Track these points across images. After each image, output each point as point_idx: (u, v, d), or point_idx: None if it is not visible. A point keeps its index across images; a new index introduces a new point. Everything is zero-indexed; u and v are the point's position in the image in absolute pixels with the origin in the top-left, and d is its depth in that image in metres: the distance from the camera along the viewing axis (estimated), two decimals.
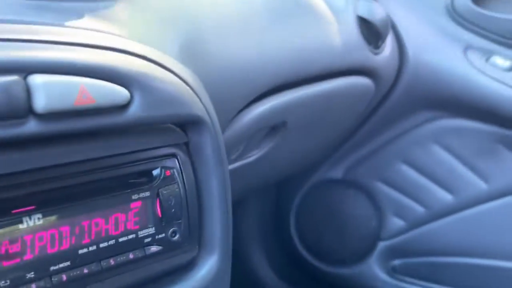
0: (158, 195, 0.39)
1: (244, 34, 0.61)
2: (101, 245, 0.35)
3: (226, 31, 0.59)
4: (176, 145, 0.40)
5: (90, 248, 0.35)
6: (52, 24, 0.36)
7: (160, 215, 0.39)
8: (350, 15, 0.84)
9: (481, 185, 1.03)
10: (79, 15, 0.40)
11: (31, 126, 0.31)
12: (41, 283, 0.32)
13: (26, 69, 0.31)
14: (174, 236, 0.40)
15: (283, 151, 0.80)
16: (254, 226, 1.18)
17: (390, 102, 1.01)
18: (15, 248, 0.31)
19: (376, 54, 0.88)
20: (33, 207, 0.32)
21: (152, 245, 0.38)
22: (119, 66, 0.35)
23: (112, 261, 0.36)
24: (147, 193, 0.38)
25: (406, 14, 0.97)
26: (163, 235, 0.39)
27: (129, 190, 0.37)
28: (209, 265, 0.42)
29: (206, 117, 0.41)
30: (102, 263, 0.35)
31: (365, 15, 0.86)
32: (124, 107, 0.35)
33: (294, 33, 0.71)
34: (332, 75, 0.79)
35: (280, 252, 1.22)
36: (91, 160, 0.35)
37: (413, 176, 1.08)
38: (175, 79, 0.40)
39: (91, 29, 0.38)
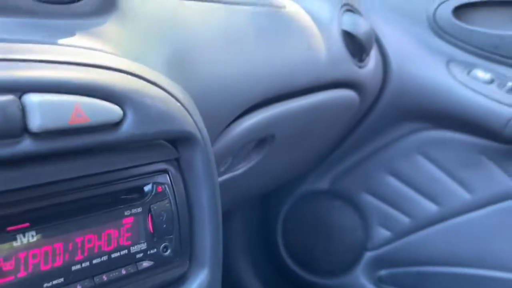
0: (149, 210, 0.39)
1: (231, 49, 0.62)
2: (94, 261, 0.36)
3: (213, 47, 0.59)
4: (167, 161, 0.41)
5: (83, 265, 0.35)
6: (46, 43, 0.37)
7: (151, 231, 0.39)
8: (335, 29, 0.85)
9: (465, 195, 1.05)
10: (71, 32, 0.40)
11: (26, 145, 0.31)
12: None
13: (21, 88, 0.32)
14: (165, 251, 0.40)
15: (271, 163, 0.81)
16: (241, 237, 1.18)
17: (375, 114, 1.03)
18: (8, 266, 0.32)
19: (360, 67, 0.89)
20: (27, 224, 0.33)
21: (144, 260, 0.39)
22: (112, 85, 0.36)
23: (104, 277, 0.36)
24: (139, 209, 0.38)
25: (389, 28, 0.99)
26: (155, 250, 0.39)
27: (121, 206, 0.38)
28: (200, 279, 0.43)
29: (196, 133, 0.42)
30: (95, 279, 0.35)
31: (349, 29, 0.87)
32: (117, 124, 0.36)
33: (280, 47, 0.72)
34: (318, 88, 0.80)
35: (267, 263, 1.22)
36: (84, 177, 0.35)
37: (398, 186, 1.10)
38: (166, 96, 0.40)
39: (84, 47, 0.39)
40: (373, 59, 0.94)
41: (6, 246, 0.32)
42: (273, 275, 1.21)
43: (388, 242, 1.13)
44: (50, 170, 0.33)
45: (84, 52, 0.38)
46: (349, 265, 1.15)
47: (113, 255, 0.37)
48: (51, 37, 0.38)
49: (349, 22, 0.88)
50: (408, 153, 1.07)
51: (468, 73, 0.97)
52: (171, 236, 0.40)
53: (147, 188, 0.39)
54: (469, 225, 1.06)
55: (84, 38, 0.40)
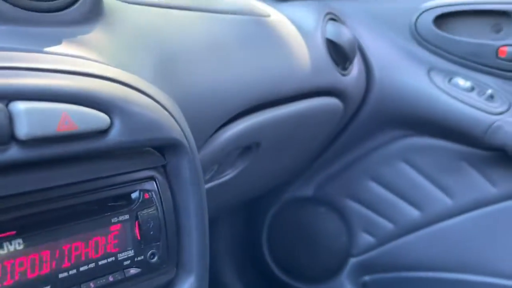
0: (137, 217, 0.39)
1: (217, 58, 0.63)
2: (81, 269, 0.36)
3: (199, 55, 0.60)
4: (154, 168, 0.41)
5: (70, 272, 0.35)
6: (32, 51, 0.37)
7: (139, 238, 0.39)
8: (319, 38, 0.86)
9: (447, 201, 1.06)
10: (58, 40, 0.41)
11: (14, 153, 0.31)
12: None
13: (8, 96, 0.32)
14: (152, 258, 0.40)
15: (256, 170, 0.81)
16: (226, 244, 1.18)
17: (358, 121, 1.04)
18: None
19: (344, 75, 0.90)
20: (13, 232, 0.32)
21: (132, 267, 0.39)
22: (99, 92, 0.36)
23: (92, 285, 0.36)
24: (126, 216, 0.39)
25: (372, 37, 1.01)
26: (142, 257, 0.39)
27: (108, 214, 0.38)
28: (187, 286, 0.43)
29: (183, 140, 0.42)
30: (82, 286, 0.35)
31: (333, 37, 0.88)
32: (104, 132, 0.36)
33: (265, 56, 0.73)
34: (303, 96, 0.81)
35: (252, 270, 1.22)
36: (72, 184, 0.36)
37: (381, 193, 1.11)
38: (153, 103, 0.41)
39: (71, 55, 0.39)
40: (356, 67, 0.95)
41: None
42: (258, 282, 1.22)
43: (372, 248, 1.14)
44: (37, 178, 0.33)
45: (71, 60, 0.38)
46: (334, 271, 1.16)
47: (100, 262, 0.37)
48: (38, 45, 0.38)
49: (332, 31, 0.89)
50: (391, 159, 1.08)
51: (449, 81, 0.99)
52: (158, 243, 0.40)
53: (134, 195, 0.39)
54: (451, 230, 1.07)
55: (70, 46, 0.41)
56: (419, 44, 1.00)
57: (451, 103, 0.97)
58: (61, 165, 0.35)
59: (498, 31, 0.97)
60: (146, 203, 0.40)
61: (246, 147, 0.73)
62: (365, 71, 0.99)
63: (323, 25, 0.88)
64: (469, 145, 1.01)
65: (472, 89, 0.97)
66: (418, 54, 1.01)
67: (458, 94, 0.97)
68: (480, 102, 0.96)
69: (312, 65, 0.81)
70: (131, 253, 0.39)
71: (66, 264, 0.35)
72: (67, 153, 0.34)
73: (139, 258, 0.39)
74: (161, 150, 0.42)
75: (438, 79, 0.99)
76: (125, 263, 0.38)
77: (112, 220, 0.38)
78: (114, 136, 0.36)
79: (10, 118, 0.31)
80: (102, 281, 0.37)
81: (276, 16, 0.82)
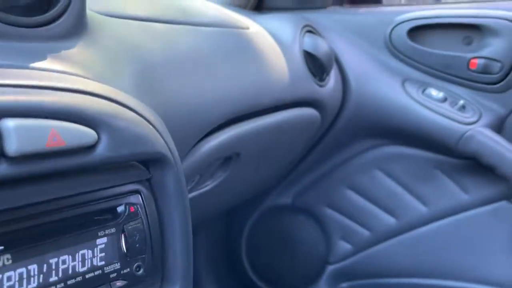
0: (123, 231, 0.40)
1: (197, 70, 0.64)
2: (69, 282, 0.36)
3: (180, 68, 0.61)
4: (139, 182, 0.42)
5: (58, 286, 0.35)
6: (18, 67, 0.37)
7: (125, 251, 0.40)
8: (297, 50, 0.88)
9: (421, 209, 1.09)
10: (43, 56, 0.41)
11: (3, 169, 0.32)
12: None
13: None
14: (138, 271, 0.41)
15: (236, 180, 0.82)
16: (205, 252, 1.18)
17: (335, 131, 1.06)
18: None
19: (321, 86, 0.92)
20: (1, 247, 0.33)
21: (118, 280, 0.39)
22: (87, 108, 0.36)
23: None
24: (113, 230, 0.39)
25: (348, 49, 1.03)
26: (128, 270, 0.40)
27: (95, 227, 0.38)
28: None
29: (168, 154, 0.43)
30: None
31: (310, 49, 0.90)
32: (91, 147, 0.37)
33: (245, 67, 0.74)
34: (282, 107, 0.82)
35: (231, 279, 1.22)
36: (59, 199, 0.36)
37: (358, 200, 1.12)
38: (138, 118, 0.41)
39: (56, 71, 0.40)
40: (333, 79, 0.97)
41: None
42: None
43: (349, 255, 1.15)
44: (25, 193, 0.34)
45: (58, 76, 0.38)
46: (312, 279, 1.17)
47: (87, 276, 0.37)
48: (23, 61, 0.38)
49: (310, 43, 0.91)
50: (367, 168, 1.10)
51: (423, 91, 1.01)
52: (144, 256, 0.41)
53: (120, 208, 0.40)
54: (425, 237, 1.09)
55: (56, 61, 0.41)
56: (394, 55, 1.03)
57: (425, 113, 0.99)
58: (48, 180, 0.35)
59: (469, 43, 1.00)
60: (131, 216, 0.40)
61: (226, 157, 0.74)
62: (341, 82, 1.01)
63: (301, 37, 0.90)
64: (442, 154, 1.03)
65: (444, 99, 1.00)
66: (392, 65, 1.03)
67: (431, 105, 0.99)
68: (453, 112, 0.99)
69: (291, 77, 0.83)
70: (117, 266, 0.39)
71: (53, 278, 0.35)
72: (55, 169, 0.35)
73: (125, 271, 0.40)
74: (145, 164, 0.43)
75: (412, 89, 1.01)
76: (112, 276, 0.39)
77: (99, 234, 0.38)
78: (101, 151, 0.37)
79: (0, 135, 0.32)
80: None
81: (255, 28, 0.84)
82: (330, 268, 1.17)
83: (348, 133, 1.07)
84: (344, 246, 1.15)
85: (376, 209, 1.12)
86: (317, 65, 0.91)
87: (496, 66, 0.97)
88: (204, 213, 0.88)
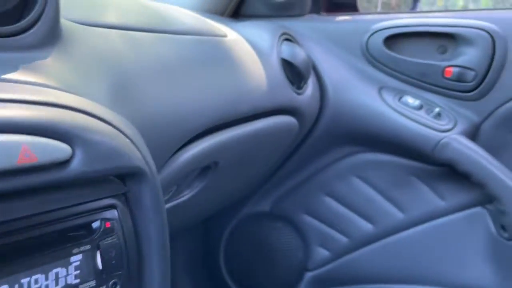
0: (98, 247, 0.39)
1: (175, 79, 0.63)
2: None
3: (157, 77, 0.60)
4: (115, 196, 0.41)
5: None
6: None
7: (100, 267, 0.39)
8: (275, 58, 0.88)
9: (398, 215, 1.10)
10: (14, 67, 0.40)
11: None
12: None
13: None
14: (115, 287, 0.40)
15: (214, 189, 0.82)
16: (183, 260, 1.17)
17: (313, 138, 1.06)
18: None
19: (299, 94, 0.92)
20: None
21: None
22: (60, 122, 0.35)
23: None
24: (88, 246, 0.38)
25: (326, 57, 1.03)
26: (104, 287, 0.39)
27: (69, 244, 0.37)
28: None
29: (145, 167, 0.42)
30: None
31: (288, 57, 0.90)
32: (65, 162, 0.36)
33: (222, 76, 0.73)
34: (260, 115, 0.82)
35: (209, 286, 1.21)
36: (31, 216, 0.35)
37: (336, 207, 1.13)
38: (114, 131, 0.40)
39: (29, 82, 0.38)
40: (310, 86, 0.97)
41: None
42: None
43: (327, 261, 1.16)
44: None
45: (30, 88, 0.37)
46: (291, 286, 1.17)
47: None
48: None
49: (287, 51, 0.91)
50: (344, 175, 1.11)
51: (399, 99, 1.02)
52: (120, 272, 0.40)
53: (95, 224, 0.39)
54: (403, 243, 1.10)
55: (28, 73, 0.40)
56: (370, 63, 1.04)
57: (401, 120, 1.00)
58: (20, 197, 0.34)
59: (443, 52, 1.02)
60: (107, 232, 0.39)
61: (204, 167, 0.73)
62: (319, 89, 1.02)
63: (279, 45, 0.90)
64: (418, 161, 1.04)
65: (420, 107, 1.01)
66: (369, 73, 1.04)
67: (408, 112, 1.00)
68: (428, 120, 1.00)
69: (269, 85, 0.83)
70: (92, 283, 0.38)
71: None
72: (27, 186, 0.33)
73: None
74: (122, 178, 0.42)
75: (389, 97, 1.02)
76: None
77: (73, 251, 0.37)
78: (76, 166, 0.36)
79: None
80: None
81: (233, 36, 0.83)
82: (309, 275, 1.17)
83: (326, 141, 1.07)
84: (322, 252, 1.16)
85: (354, 216, 1.12)
86: (294, 73, 0.91)
87: (470, 74, 0.99)
88: (182, 223, 0.87)
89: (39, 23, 0.43)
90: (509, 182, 0.97)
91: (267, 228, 1.18)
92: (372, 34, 1.02)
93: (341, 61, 1.04)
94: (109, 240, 0.39)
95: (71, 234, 0.38)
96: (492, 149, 1.00)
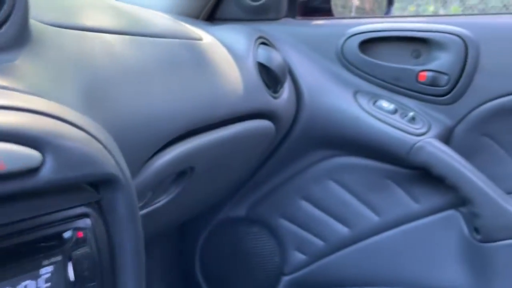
0: (70, 258, 0.37)
1: (150, 83, 0.62)
2: None
3: (132, 81, 0.59)
4: (88, 204, 0.39)
5: None
6: None
7: (72, 279, 0.37)
8: (251, 62, 0.88)
9: (374, 218, 1.10)
10: None
11: None
12: None
13: None
14: None
15: (190, 194, 0.80)
16: (158, 268, 1.15)
17: (289, 142, 1.06)
18: None
19: (275, 98, 0.92)
20: None
21: None
22: (30, 128, 0.34)
23: None
24: (59, 257, 0.36)
25: (301, 61, 1.03)
26: None
27: (39, 256, 0.35)
28: None
29: (118, 174, 0.41)
30: None
31: (264, 61, 0.90)
32: (35, 170, 0.34)
33: (198, 80, 0.73)
34: (236, 120, 0.81)
35: None
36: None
37: (312, 211, 1.13)
38: (87, 137, 0.39)
39: None
40: (286, 90, 0.97)
41: None
42: None
43: (304, 265, 1.16)
44: None
45: None
46: None
47: None
48: None
49: (263, 55, 0.90)
50: (320, 178, 1.11)
51: (374, 103, 1.03)
52: (93, 283, 0.38)
53: (67, 234, 0.37)
54: (378, 246, 1.11)
55: None
56: (346, 68, 1.04)
57: (376, 124, 1.01)
58: None
59: (417, 56, 1.03)
60: (79, 242, 0.38)
61: (180, 172, 0.72)
62: (295, 93, 1.01)
63: (255, 49, 0.90)
64: (393, 164, 1.05)
65: (395, 111, 1.02)
66: (345, 77, 1.04)
67: (383, 116, 1.01)
68: (403, 123, 1.01)
69: (245, 89, 0.82)
70: None
71: None
72: None
73: None
74: (95, 185, 0.41)
75: (364, 101, 1.03)
76: None
77: (43, 263, 0.35)
78: (46, 174, 0.34)
79: None
80: None
81: (208, 39, 0.83)
82: (285, 279, 1.17)
83: (302, 144, 1.07)
84: (298, 256, 1.15)
85: (330, 219, 1.12)
86: (271, 77, 0.91)
87: (444, 78, 1.00)
88: (157, 229, 0.86)
89: (7, 24, 0.41)
90: (482, 185, 0.99)
91: (243, 233, 1.17)
92: (347, 39, 1.03)
93: (317, 65, 1.04)
94: (81, 250, 0.38)
95: (41, 244, 0.36)
96: (465, 152, 1.02)
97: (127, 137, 0.53)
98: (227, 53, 0.83)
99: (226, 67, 0.80)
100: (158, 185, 0.67)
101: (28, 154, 0.33)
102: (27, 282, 0.34)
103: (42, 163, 0.34)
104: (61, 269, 0.37)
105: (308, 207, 1.13)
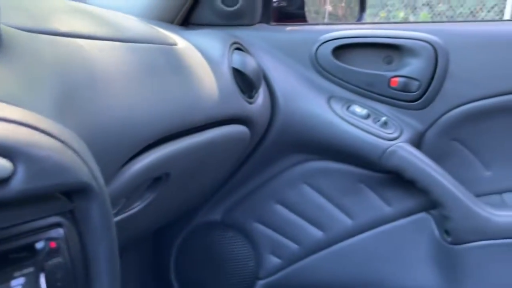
0: (42, 269, 0.36)
1: (125, 89, 0.61)
2: None
3: (106, 86, 0.58)
4: (61, 214, 0.39)
5: None
6: None
7: None
8: (226, 67, 0.88)
9: (347, 221, 1.12)
10: None
11: None
12: None
13: None
14: None
15: (165, 200, 0.80)
16: (133, 274, 1.14)
17: (264, 147, 1.06)
18: None
19: (250, 103, 0.92)
20: None
21: None
22: (1, 138, 0.33)
23: None
24: (31, 269, 0.36)
25: (276, 66, 1.04)
26: None
27: (10, 267, 0.35)
28: None
29: (92, 183, 0.40)
30: None
31: (239, 66, 0.90)
32: (6, 180, 0.33)
33: (174, 85, 0.72)
34: (212, 125, 0.81)
35: None
36: None
37: (286, 215, 1.14)
38: (60, 145, 0.38)
39: None
40: (261, 95, 0.97)
41: None
42: None
43: (279, 269, 1.16)
44: None
45: None
46: None
47: None
48: None
49: (238, 60, 0.90)
50: (295, 183, 1.12)
51: (347, 108, 1.04)
52: None
53: (39, 245, 0.37)
54: (352, 248, 1.12)
55: None
56: (320, 73, 1.05)
57: (349, 129, 1.02)
58: None
59: (389, 62, 1.05)
60: (52, 252, 0.37)
61: (155, 178, 0.72)
62: (270, 99, 1.02)
63: (229, 55, 0.90)
64: (366, 168, 1.07)
65: (368, 116, 1.04)
66: (318, 83, 1.05)
67: (356, 121, 1.03)
68: (375, 128, 1.02)
69: (220, 94, 0.82)
70: None
71: None
72: None
73: None
74: (68, 194, 0.40)
75: (337, 106, 1.04)
76: None
77: (14, 274, 0.35)
78: (18, 184, 0.34)
79: None
80: None
81: (183, 44, 0.82)
82: (260, 283, 1.17)
83: (277, 149, 1.08)
84: (273, 260, 1.16)
85: (305, 223, 1.13)
86: (245, 82, 0.91)
87: (415, 84, 1.02)
88: (132, 235, 0.85)
89: None
90: (452, 188, 1.01)
91: (218, 238, 1.17)
92: (320, 45, 1.04)
93: (291, 71, 1.05)
94: (54, 261, 0.37)
95: (12, 256, 0.35)
96: (436, 156, 1.04)
97: (101, 143, 0.52)
98: (202, 59, 0.83)
99: (201, 72, 0.80)
100: (133, 191, 0.66)
101: None
102: None
103: (13, 173, 0.34)
104: (33, 281, 0.36)
105: (283, 211, 1.13)
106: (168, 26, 0.94)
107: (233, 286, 1.17)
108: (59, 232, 0.38)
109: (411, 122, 1.05)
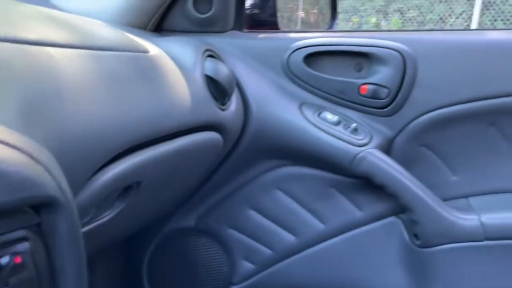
0: (7, 284, 0.36)
1: (94, 97, 0.61)
2: None
3: (75, 95, 0.57)
4: (26, 227, 0.38)
5: None
6: None
7: None
8: (198, 74, 0.88)
9: (319, 226, 1.13)
10: None
11: None
12: None
13: None
14: None
15: (136, 208, 0.79)
16: (105, 281, 1.13)
17: (237, 153, 1.07)
18: None
19: (223, 110, 0.92)
20: None
21: None
22: None
23: None
24: None
25: (248, 73, 1.05)
26: None
27: None
28: None
29: (59, 196, 0.40)
30: None
31: (211, 74, 0.90)
32: None
33: (145, 92, 0.72)
34: (184, 132, 0.81)
35: None
36: None
37: (260, 220, 1.14)
38: (25, 158, 0.38)
39: None
40: (234, 102, 0.98)
41: None
42: None
43: (252, 275, 1.17)
44: None
45: None
46: None
47: None
48: None
49: (211, 67, 0.91)
50: (267, 188, 1.13)
51: (319, 115, 1.06)
52: None
53: (4, 260, 0.36)
54: (324, 253, 1.14)
55: None
56: (291, 80, 1.07)
57: (321, 135, 1.04)
58: None
59: (359, 70, 1.06)
60: (17, 267, 0.37)
61: (126, 186, 0.71)
62: (242, 105, 1.03)
63: (202, 62, 0.90)
64: (337, 174, 1.08)
65: (338, 122, 1.05)
66: (290, 89, 1.06)
67: (327, 127, 1.04)
68: (346, 134, 1.04)
69: (193, 102, 0.82)
70: None
71: None
72: None
73: None
74: (35, 207, 0.40)
75: (309, 113, 1.05)
76: None
77: None
78: None
79: None
80: None
81: (155, 51, 0.82)
82: None
83: (249, 155, 1.08)
84: (247, 266, 1.16)
85: (277, 228, 1.14)
86: (218, 89, 0.91)
87: (384, 92, 1.04)
88: (102, 243, 0.84)
89: None
90: (420, 193, 1.03)
91: (192, 244, 1.17)
92: (292, 52, 1.05)
93: (264, 78, 1.06)
94: (19, 276, 0.37)
95: None
96: (405, 162, 1.06)
97: (69, 154, 0.52)
98: (174, 66, 0.83)
99: (173, 79, 0.80)
100: (102, 201, 0.66)
101: None
102: None
103: None
104: None
105: (256, 217, 1.14)
106: (140, 32, 0.93)
107: None
108: (25, 246, 0.38)
109: (381, 129, 1.07)
